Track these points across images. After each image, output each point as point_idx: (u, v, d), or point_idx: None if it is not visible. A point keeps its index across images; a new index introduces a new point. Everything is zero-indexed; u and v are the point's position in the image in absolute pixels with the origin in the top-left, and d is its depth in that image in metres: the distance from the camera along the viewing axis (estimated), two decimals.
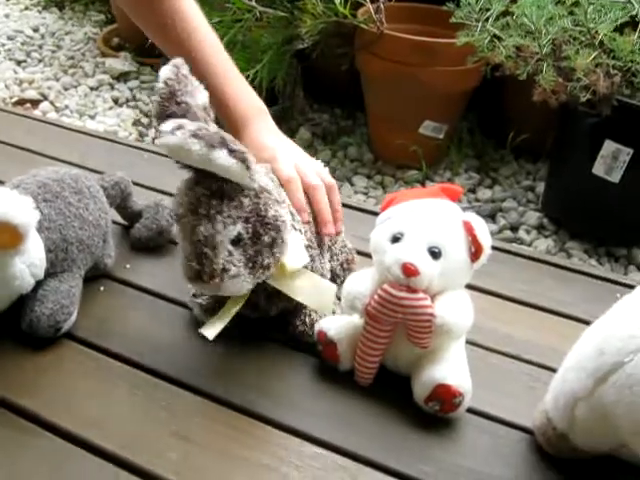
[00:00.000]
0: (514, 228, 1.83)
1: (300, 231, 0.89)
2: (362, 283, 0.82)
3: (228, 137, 0.74)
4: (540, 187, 1.96)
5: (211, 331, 0.86)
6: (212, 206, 0.77)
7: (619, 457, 0.75)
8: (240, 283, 0.79)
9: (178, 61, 0.83)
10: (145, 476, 0.73)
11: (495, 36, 1.54)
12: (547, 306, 1.03)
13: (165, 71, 0.81)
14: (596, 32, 1.39)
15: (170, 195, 1.21)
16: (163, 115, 0.80)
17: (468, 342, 0.88)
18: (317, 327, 0.87)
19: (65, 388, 0.83)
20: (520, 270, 1.13)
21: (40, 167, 0.99)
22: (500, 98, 2.06)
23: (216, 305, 0.90)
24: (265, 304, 0.89)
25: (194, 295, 0.93)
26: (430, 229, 0.80)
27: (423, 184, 1.98)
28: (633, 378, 0.64)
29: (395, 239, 0.80)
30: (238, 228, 0.78)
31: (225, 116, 1.01)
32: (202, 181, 0.78)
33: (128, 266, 1.05)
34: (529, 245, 1.76)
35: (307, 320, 0.91)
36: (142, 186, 1.23)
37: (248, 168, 0.76)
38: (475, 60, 1.67)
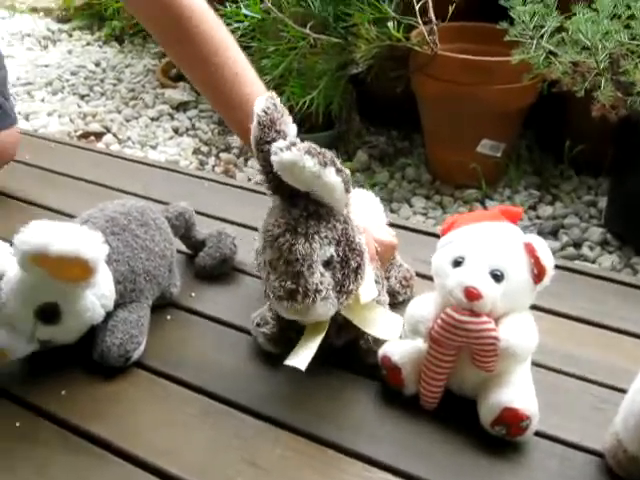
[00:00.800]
0: (577, 245, 1.80)
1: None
2: (425, 307, 0.82)
3: (334, 157, 0.77)
4: (602, 202, 1.92)
5: (299, 361, 0.85)
6: (310, 226, 0.80)
7: None
8: (328, 306, 0.81)
9: (272, 94, 0.86)
10: None
11: (551, 52, 1.53)
12: (613, 325, 1.02)
13: (262, 101, 0.84)
14: None
15: (232, 223, 1.24)
16: (263, 141, 0.83)
17: (533, 363, 0.87)
18: (381, 352, 0.87)
19: (136, 416, 0.85)
20: (584, 289, 1.12)
21: (106, 200, 1.02)
22: (558, 114, 2.03)
23: (280, 334, 0.92)
24: (334, 335, 0.90)
25: (258, 324, 0.94)
26: (491, 252, 0.80)
27: (482, 203, 1.97)
28: None
29: (457, 263, 0.81)
30: (331, 250, 0.81)
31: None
32: (298, 203, 0.81)
33: (193, 294, 1.07)
34: (593, 262, 1.73)
35: (370, 338, 0.91)
36: (204, 215, 1.26)
37: (347, 191, 0.79)
38: (531, 77, 1.66)
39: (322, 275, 0.80)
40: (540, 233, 1.82)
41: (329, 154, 0.77)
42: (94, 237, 0.83)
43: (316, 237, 0.80)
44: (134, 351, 0.91)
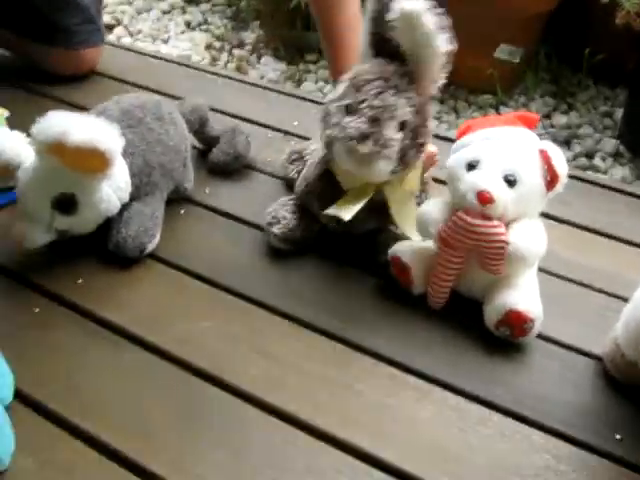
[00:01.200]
0: (589, 155, 1.79)
1: None
2: (436, 209, 0.83)
3: (448, 25, 0.80)
4: (618, 113, 1.90)
5: (345, 212, 0.88)
6: (403, 83, 0.83)
7: None
8: (387, 167, 0.83)
9: None
10: (228, 389, 0.77)
11: None
12: (622, 236, 1.03)
13: None
14: None
15: (245, 120, 1.24)
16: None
17: (540, 270, 0.88)
18: (391, 252, 0.89)
19: (150, 304, 0.88)
20: (595, 199, 1.12)
21: (119, 94, 1.02)
22: (579, 21, 1.98)
23: (292, 233, 0.94)
24: (363, 216, 0.90)
25: (270, 223, 0.95)
26: (506, 157, 0.80)
27: (497, 109, 1.95)
28: None
29: (471, 166, 0.81)
30: (410, 114, 0.83)
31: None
32: (394, 63, 0.84)
33: (207, 190, 1.08)
34: (604, 173, 1.73)
35: (391, 235, 0.92)
36: (217, 111, 1.25)
37: (445, 66, 0.83)
38: None
39: (395, 133, 0.82)
40: (553, 141, 1.80)
41: (445, 21, 0.79)
42: (111, 129, 0.83)
43: (404, 94, 0.82)
44: (149, 243, 0.93)
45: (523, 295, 0.81)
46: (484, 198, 0.77)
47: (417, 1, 0.78)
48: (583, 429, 0.74)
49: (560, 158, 0.81)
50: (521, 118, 0.86)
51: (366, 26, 0.87)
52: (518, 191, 0.79)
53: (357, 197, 0.88)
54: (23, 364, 0.77)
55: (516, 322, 0.79)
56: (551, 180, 0.80)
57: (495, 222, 0.78)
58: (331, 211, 0.89)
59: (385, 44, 0.84)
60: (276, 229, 0.94)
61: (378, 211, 0.91)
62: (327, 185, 0.93)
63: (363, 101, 0.81)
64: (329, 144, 0.85)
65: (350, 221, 0.89)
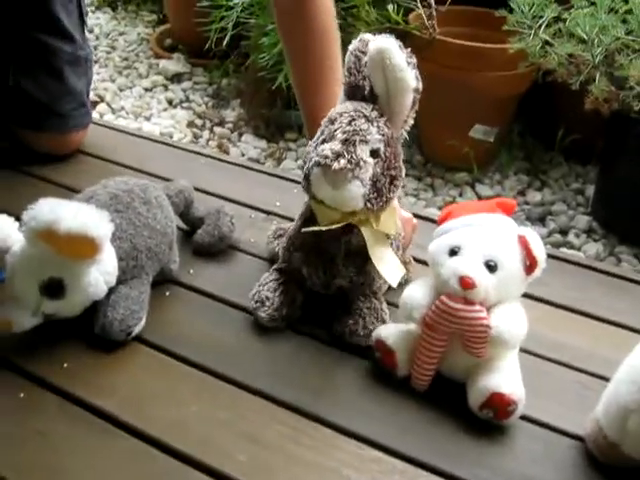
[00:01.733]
0: (564, 232, 1.84)
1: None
2: (420, 294, 0.85)
3: (416, 63, 0.88)
4: (590, 190, 1.96)
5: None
6: (373, 114, 0.88)
7: None
8: (360, 191, 0.86)
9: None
10: (215, 476, 0.77)
11: (547, 43, 1.56)
12: (598, 314, 1.05)
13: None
14: None
15: (228, 200, 1.26)
16: (360, 50, 0.91)
17: (520, 350, 0.90)
18: (375, 336, 0.90)
19: (138, 390, 0.88)
20: (570, 277, 1.15)
21: (103, 173, 1.04)
22: (551, 101, 2.06)
23: (275, 314, 0.96)
24: (341, 262, 0.94)
25: (255, 308, 0.98)
26: (487, 243, 0.83)
27: (473, 186, 2.00)
28: None
29: (453, 252, 0.83)
30: (381, 144, 0.88)
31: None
32: (364, 95, 0.91)
33: (192, 271, 1.09)
34: (578, 249, 1.77)
35: (360, 322, 0.94)
36: (201, 191, 1.27)
37: (414, 105, 0.90)
38: (527, 66, 1.69)
39: (367, 157, 0.87)
40: (528, 219, 1.85)
41: (414, 59, 0.87)
42: (101, 215, 0.84)
43: (375, 124, 0.88)
44: (135, 326, 0.94)
45: (506, 378, 0.82)
46: (466, 283, 0.79)
47: (388, 39, 0.85)
48: None
49: (538, 243, 0.84)
50: (500, 205, 0.89)
51: (342, 78, 0.95)
52: (499, 276, 0.81)
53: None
54: (8, 450, 0.77)
55: (499, 405, 0.81)
56: (530, 265, 0.83)
57: (477, 307, 0.80)
58: (311, 227, 0.92)
59: (359, 92, 0.91)
60: (262, 312, 0.96)
61: (355, 257, 0.94)
62: (309, 235, 0.95)
63: (337, 129, 0.87)
64: (307, 176, 0.89)
65: (331, 271, 0.94)
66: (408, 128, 0.93)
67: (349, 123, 0.87)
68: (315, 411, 0.85)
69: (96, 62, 2.71)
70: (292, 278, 0.99)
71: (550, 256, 1.15)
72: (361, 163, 0.85)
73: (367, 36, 0.92)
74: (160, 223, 1.00)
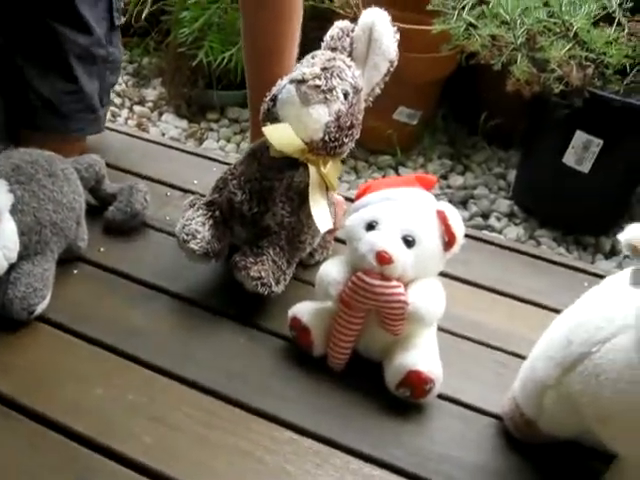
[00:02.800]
0: (485, 215, 1.85)
1: None
2: (336, 270, 0.83)
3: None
4: (511, 175, 1.98)
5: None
6: (348, 61, 0.93)
7: (584, 443, 0.77)
8: (323, 116, 0.88)
9: None
10: (119, 460, 0.73)
11: (471, 24, 1.55)
12: (517, 294, 1.05)
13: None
14: (571, 24, 1.40)
15: (144, 178, 1.21)
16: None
17: (439, 328, 0.89)
18: (291, 313, 0.88)
19: (40, 371, 0.83)
20: (491, 258, 1.15)
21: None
22: (474, 85, 2.07)
23: (207, 247, 0.92)
24: (278, 196, 0.93)
25: (185, 240, 0.92)
26: (405, 218, 0.81)
27: (396, 170, 1.99)
28: (599, 368, 0.66)
29: (370, 227, 0.81)
30: (352, 90, 0.91)
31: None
32: None
33: (102, 249, 1.04)
34: (499, 232, 1.78)
35: (258, 265, 0.90)
36: (115, 168, 1.23)
37: (386, 76, 0.98)
38: (450, 48, 1.68)
39: (339, 92, 0.89)
40: (450, 202, 1.85)
41: (398, 37, 0.98)
42: None
43: (351, 67, 0.92)
44: (38, 305, 0.88)
45: (423, 355, 0.81)
46: (383, 258, 0.77)
47: (382, 11, 0.95)
48: None
49: (457, 219, 0.82)
50: (419, 179, 0.87)
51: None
52: (416, 251, 0.80)
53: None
54: None
55: (417, 383, 0.79)
56: (449, 241, 0.82)
57: (394, 282, 0.78)
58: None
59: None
60: (194, 245, 0.92)
61: (293, 196, 0.93)
62: (251, 164, 0.95)
63: (316, 61, 0.91)
64: (275, 97, 0.90)
65: (265, 204, 0.93)
66: (372, 99, 0.98)
67: (329, 60, 0.90)
68: (227, 392, 0.82)
69: None
70: (221, 213, 0.95)
71: (471, 237, 1.16)
72: (334, 92, 0.88)
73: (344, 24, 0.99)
74: (67, 197, 0.95)
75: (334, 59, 0.91)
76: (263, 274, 0.89)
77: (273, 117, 0.90)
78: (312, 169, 0.91)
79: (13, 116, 1.23)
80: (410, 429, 0.80)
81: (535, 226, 1.81)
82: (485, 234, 1.40)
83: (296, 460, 0.75)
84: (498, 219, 1.83)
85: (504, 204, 1.87)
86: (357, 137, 0.94)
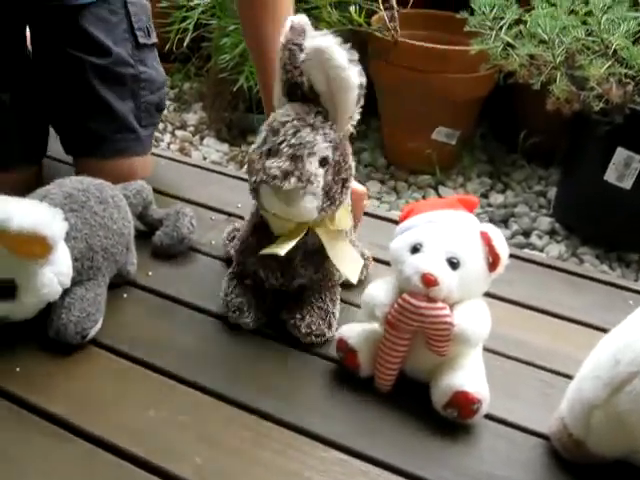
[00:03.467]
0: (526, 233, 1.85)
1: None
2: (382, 292, 0.84)
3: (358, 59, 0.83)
4: (552, 192, 1.97)
5: (282, 248, 0.88)
6: (318, 120, 0.85)
7: (635, 463, 0.76)
8: (313, 204, 0.84)
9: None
10: (170, 479, 0.75)
11: (509, 44, 1.56)
12: (560, 313, 1.05)
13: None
14: (609, 42, 1.40)
15: (188, 202, 1.24)
16: (291, 42, 0.88)
17: (484, 348, 0.89)
18: (337, 335, 0.89)
19: (94, 394, 0.85)
20: (533, 277, 1.15)
21: (63, 176, 1.01)
22: (513, 104, 2.07)
23: (246, 307, 0.94)
24: (299, 264, 0.93)
25: (234, 317, 0.95)
26: (449, 240, 0.82)
27: (436, 189, 2.00)
28: None
29: (414, 249, 0.82)
30: (329, 151, 0.85)
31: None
32: (309, 102, 0.87)
33: (150, 273, 1.07)
34: (541, 250, 1.78)
35: (306, 318, 0.93)
36: (161, 193, 1.26)
37: (359, 101, 0.85)
38: (488, 68, 1.69)
39: (317, 169, 0.83)
40: (491, 221, 1.86)
41: (356, 55, 0.82)
42: (54, 214, 0.82)
43: (320, 131, 0.84)
44: (91, 329, 0.91)
45: (469, 376, 0.81)
46: (428, 281, 0.78)
47: (327, 37, 0.81)
48: None
49: (501, 240, 0.83)
50: (462, 201, 0.88)
51: (278, 74, 0.90)
52: (461, 273, 0.80)
53: (291, 236, 0.89)
54: None
55: (463, 404, 0.80)
56: (493, 262, 0.82)
57: (440, 304, 0.79)
58: (266, 250, 0.89)
59: (297, 89, 0.88)
60: (246, 319, 0.95)
61: (312, 257, 0.93)
62: (261, 238, 0.94)
63: (282, 142, 0.83)
64: (255, 190, 0.85)
65: (289, 273, 0.92)
66: (354, 123, 0.89)
67: (294, 135, 0.83)
68: (277, 414, 0.83)
69: None
70: (254, 281, 0.98)
71: (513, 256, 1.15)
72: (312, 178, 0.82)
73: (298, 21, 0.89)
74: (117, 223, 0.98)
75: (299, 132, 0.83)
76: (313, 327, 0.93)
77: (262, 208, 0.89)
78: (321, 233, 0.91)
79: (36, 142, 1.27)
80: (457, 449, 0.80)
81: (577, 244, 1.80)
82: (527, 252, 1.40)
83: None
84: (539, 237, 1.83)
85: (545, 222, 1.87)
86: (353, 174, 0.90)
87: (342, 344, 0.87)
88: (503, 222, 1.88)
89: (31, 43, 1.25)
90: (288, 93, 0.89)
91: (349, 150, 0.89)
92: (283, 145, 0.83)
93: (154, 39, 1.33)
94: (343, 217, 0.93)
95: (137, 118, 1.29)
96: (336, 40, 0.81)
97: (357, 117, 0.88)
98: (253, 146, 0.88)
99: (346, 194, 0.89)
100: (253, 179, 0.85)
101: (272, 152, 0.84)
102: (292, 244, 0.88)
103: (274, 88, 0.93)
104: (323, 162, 0.84)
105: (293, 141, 0.82)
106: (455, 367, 0.82)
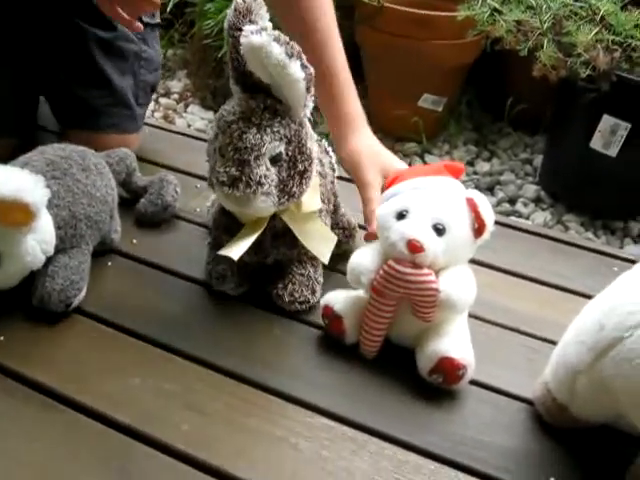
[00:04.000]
0: (512, 201, 1.85)
1: (320, 176, 0.94)
2: (367, 259, 0.84)
3: (301, 50, 0.78)
4: (538, 160, 1.97)
5: (235, 251, 0.87)
6: (264, 118, 0.82)
7: (617, 427, 0.77)
8: (268, 202, 0.83)
9: None
10: (159, 447, 0.75)
11: (496, 10, 1.55)
12: (546, 279, 1.06)
13: None
14: (597, 8, 1.39)
15: (172, 170, 1.23)
16: (235, 27, 0.84)
17: (469, 315, 0.90)
18: (322, 302, 0.89)
19: (78, 362, 0.85)
20: (519, 244, 1.15)
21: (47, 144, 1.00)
22: (499, 71, 2.06)
23: (229, 273, 0.94)
24: (269, 245, 0.92)
25: (208, 263, 0.95)
26: (435, 206, 0.81)
27: (422, 157, 1.99)
28: (632, 352, 0.66)
29: (400, 216, 0.82)
30: (281, 148, 0.83)
31: (330, 112, 1.05)
32: (256, 96, 0.84)
33: (135, 241, 1.06)
34: (527, 218, 1.78)
35: (289, 287, 0.93)
36: (144, 161, 1.24)
37: (309, 90, 0.81)
38: (475, 34, 1.68)
39: (267, 169, 0.82)
40: (477, 188, 1.85)
41: (297, 47, 0.78)
42: (36, 181, 0.81)
43: (268, 130, 0.81)
44: (75, 297, 0.90)
45: (455, 342, 0.81)
46: (414, 247, 0.78)
47: (262, 35, 0.76)
48: (518, 474, 0.74)
49: (486, 206, 0.83)
50: (448, 168, 0.87)
51: (229, 65, 0.88)
52: (447, 239, 0.80)
53: (250, 231, 0.89)
54: None
55: (449, 369, 0.80)
56: (479, 228, 0.82)
57: (425, 270, 0.79)
58: (222, 251, 0.89)
59: (247, 78, 0.85)
60: (228, 289, 0.95)
61: (282, 238, 0.92)
62: (230, 217, 0.93)
63: (229, 144, 0.81)
64: (212, 187, 0.85)
65: (260, 247, 0.90)
66: (310, 109, 0.85)
67: (240, 138, 0.80)
68: (263, 381, 0.83)
69: None
70: None
71: (499, 223, 1.15)
72: (262, 180, 0.81)
73: (241, 3, 0.84)
74: (100, 191, 0.97)
75: (245, 134, 0.80)
76: (296, 295, 0.92)
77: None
78: (287, 219, 0.90)
79: (28, 112, 1.25)
80: (443, 415, 0.81)
81: (562, 211, 1.81)
82: (513, 220, 1.41)
83: (332, 446, 0.76)
84: (525, 205, 1.83)
85: (531, 189, 1.87)
86: (313, 163, 0.87)
87: (328, 310, 0.87)
88: (489, 190, 1.88)
89: (37, 10, 1.22)
90: (239, 82, 0.87)
91: (307, 138, 0.86)
92: (229, 148, 0.81)
93: (157, 19, 1.32)
94: (310, 199, 0.91)
95: (135, 95, 1.28)
96: (273, 35, 0.76)
97: (311, 105, 0.85)
98: (208, 137, 0.87)
99: (307, 184, 0.87)
100: (208, 176, 0.85)
101: (221, 152, 0.82)
102: (246, 245, 0.87)
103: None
104: (275, 160, 0.83)
105: (239, 144, 0.80)
106: (441, 333, 0.82)
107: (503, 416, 0.81)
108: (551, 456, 0.77)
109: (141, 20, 1.24)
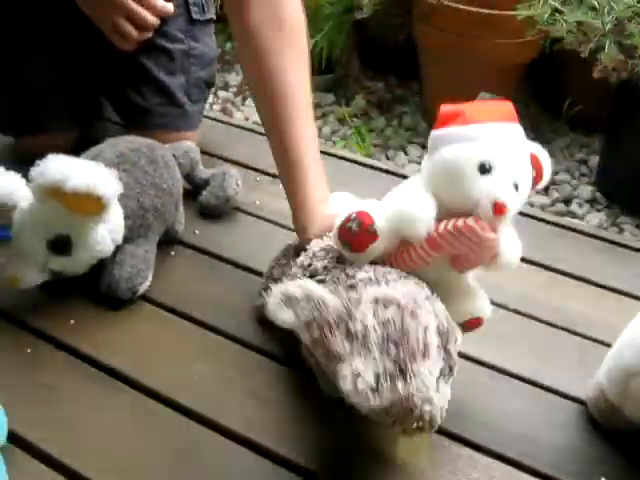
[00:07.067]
0: (567, 201, 1.84)
1: None
2: (426, 206, 0.73)
3: None
4: (594, 160, 1.95)
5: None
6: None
7: None
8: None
9: None
10: (219, 431, 0.78)
11: (556, 10, 1.54)
12: (599, 281, 1.06)
13: None
14: None
15: (232, 162, 1.26)
16: None
17: (523, 314, 0.90)
18: (361, 208, 0.76)
19: (142, 347, 0.89)
20: (573, 245, 1.15)
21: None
22: (557, 70, 2.05)
23: None
24: None
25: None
26: (516, 163, 0.74)
27: None
28: None
29: (483, 168, 0.72)
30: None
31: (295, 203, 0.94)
32: None
33: (197, 232, 1.10)
34: (581, 219, 1.77)
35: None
36: (205, 153, 1.27)
37: None
38: (534, 33, 1.67)
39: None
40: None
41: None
42: (109, 174, 0.84)
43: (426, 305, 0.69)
44: (141, 285, 0.94)
45: (486, 302, 0.80)
46: (500, 209, 0.70)
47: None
48: (569, 472, 0.75)
49: (548, 164, 0.79)
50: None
51: None
52: (519, 197, 0.73)
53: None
54: (16, 405, 0.77)
55: (476, 327, 0.79)
56: (533, 184, 0.77)
57: (496, 235, 0.72)
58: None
59: None
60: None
61: None
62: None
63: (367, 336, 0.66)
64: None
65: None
66: None
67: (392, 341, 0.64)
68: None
69: None
70: None
71: (554, 224, 1.16)
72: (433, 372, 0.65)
73: None
74: (166, 183, 1.00)
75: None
76: None
77: None
78: None
79: (87, 108, 1.30)
80: (496, 411, 0.82)
81: (618, 213, 1.79)
82: (567, 221, 1.40)
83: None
84: (580, 205, 1.82)
85: (586, 190, 1.86)
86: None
87: (367, 219, 0.74)
88: (544, 189, 1.87)
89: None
90: None
91: None
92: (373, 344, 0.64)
93: (210, 15, 1.32)
94: None
95: (187, 93, 1.28)
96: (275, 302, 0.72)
97: None
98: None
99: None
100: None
101: (354, 338, 0.66)
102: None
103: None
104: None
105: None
106: (468, 292, 0.79)
107: (555, 415, 0.83)
108: (602, 456, 0.78)
109: (190, 16, 1.27)
